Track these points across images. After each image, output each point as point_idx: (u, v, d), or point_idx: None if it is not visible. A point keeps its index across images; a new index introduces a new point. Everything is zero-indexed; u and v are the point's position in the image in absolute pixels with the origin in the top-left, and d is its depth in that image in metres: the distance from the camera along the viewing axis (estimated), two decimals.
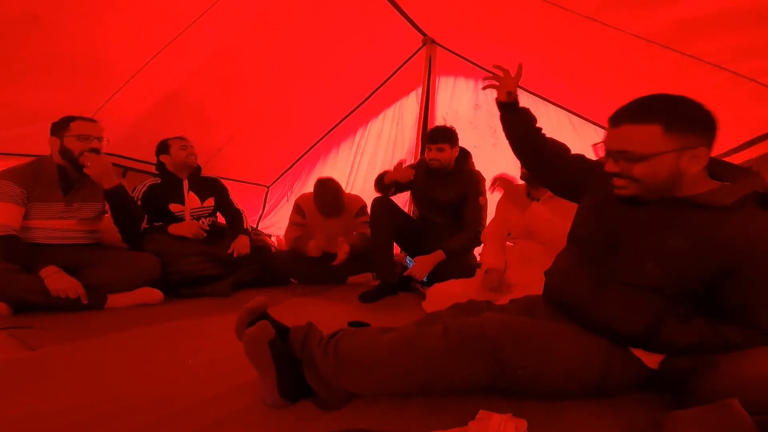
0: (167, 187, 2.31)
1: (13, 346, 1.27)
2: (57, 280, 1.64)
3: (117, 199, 1.88)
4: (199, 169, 2.42)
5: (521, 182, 1.94)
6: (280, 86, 2.98)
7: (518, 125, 1.41)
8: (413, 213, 2.69)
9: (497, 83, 1.43)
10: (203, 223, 2.35)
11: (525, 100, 3.15)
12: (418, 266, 2.12)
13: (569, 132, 2.93)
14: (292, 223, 2.65)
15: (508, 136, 1.45)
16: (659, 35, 1.81)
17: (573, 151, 1.86)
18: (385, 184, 2.38)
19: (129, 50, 2.14)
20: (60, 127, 1.80)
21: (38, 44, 1.81)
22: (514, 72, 1.42)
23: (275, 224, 3.95)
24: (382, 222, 2.25)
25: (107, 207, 1.93)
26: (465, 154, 2.43)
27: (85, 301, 1.68)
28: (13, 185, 1.71)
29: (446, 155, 2.30)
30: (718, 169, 0.98)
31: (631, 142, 0.92)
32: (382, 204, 2.29)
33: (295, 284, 2.59)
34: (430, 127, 3.21)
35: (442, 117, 3.44)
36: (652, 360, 0.97)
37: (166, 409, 0.90)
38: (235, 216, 2.45)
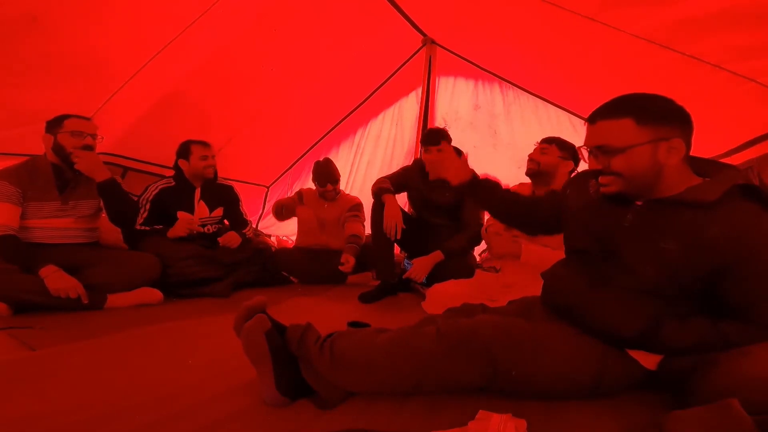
0: (179, 193, 2.28)
1: (13, 346, 1.26)
2: (57, 280, 1.64)
3: (110, 192, 1.88)
4: (215, 176, 2.36)
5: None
6: (280, 86, 2.98)
7: (485, 201, 1.38)
8: (411, 213, 2.70)
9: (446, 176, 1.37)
10: (208, 229, 2.33)
11: (525, 100, 3.16)
12: (416, 268, 2.12)
13: (569, 132, 2.93)
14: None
15: (488, 211, 1.47)
16: (659, 35, 1.81)
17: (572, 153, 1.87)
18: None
19: (129, 50, 2.14)
20: (54, 125, 1.81)
21: (38, 44, 1.82)
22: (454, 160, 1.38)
23: (275, 224, 3.94)
24: (382, 222, 2.25)
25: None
26: (460, 154, 2.43)
27: (85, 301, 1.68)
28: (9, 185, 1.71)
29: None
30: (698, 167, 0.99)
31: (606, 137, 0.96)
32: (382, 205, 2.29)
33: (295, 284, 2.59)
34: (429, 127, 3.21)
35: (442, 117, 3.44)
36: (649, 361, 0.96)
37: (166, 409, 0.90)
38: (240, 225, 2.45)
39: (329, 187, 2.71)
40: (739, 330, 0.89)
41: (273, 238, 3.71)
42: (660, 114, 0.93)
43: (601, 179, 1.00)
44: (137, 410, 0.89)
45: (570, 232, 1.16)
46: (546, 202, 1.33)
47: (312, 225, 2.72)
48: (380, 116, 3.72)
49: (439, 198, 2.35)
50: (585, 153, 1.04)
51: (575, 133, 2.93)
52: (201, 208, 2.32)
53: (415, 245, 2.43)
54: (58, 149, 1.80)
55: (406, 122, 3.64)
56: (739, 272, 0.87)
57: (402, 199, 2.84)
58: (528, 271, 1.78)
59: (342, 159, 3.76)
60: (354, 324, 1.14)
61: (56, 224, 1.84)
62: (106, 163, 1.94)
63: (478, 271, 2.02)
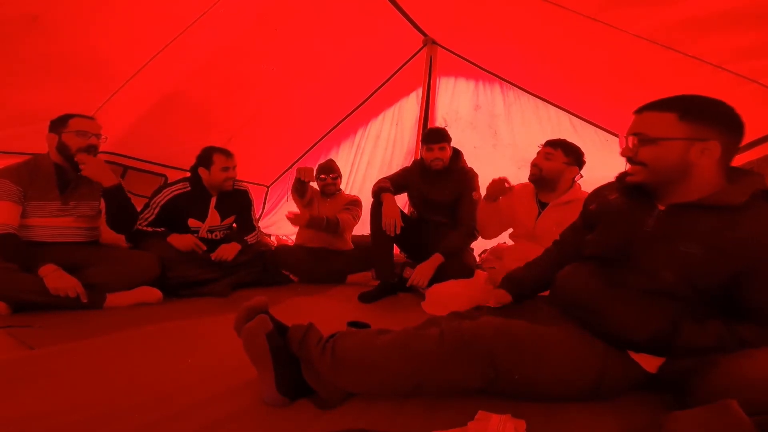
0: (194, 202, 2.22)
1: (12, 345, 1.26)
2: (56, 279, 1.63)
3: (114, 198, 1.88)
4: (233, 184, 2.29)
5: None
6: (280, 86, 2.98)
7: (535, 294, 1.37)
8: (411, 214, 2.71)
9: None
10: (216, 235, 2.31)
11: (526, 100, 3.16)
12: (418, 274, 2.10)
13: (569, 133, 2.93)
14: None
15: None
16: (661, 35, 1.81)
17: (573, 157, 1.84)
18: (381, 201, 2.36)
19: (129, 50, 2.14)
20: (58, 124, 1.81)
21: (38, 44, 1.82)
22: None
23: (275, 223, 3.95)
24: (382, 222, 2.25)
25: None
26: (457, 153, 2.45)
27: (84, 300, 1.68)
28: (10, 183, 1.71)
29: (447, 154, 2.34)
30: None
31: (647, 125, 0.98)
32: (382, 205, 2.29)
33: (295, 283, 2.59)
34: (430, 127, 3.21)
35: (442, 117, 3.44)
36: (651, 364, 0.96)
37: (165, 409, 0.90)
38: (246, 231, 2.41)
39: (329, 180, 2.77)
40: (755, 333, 0.88)
41: (273, 238, 3.72)
42: (705, 114, 0.93)
43: (628, 170, 1.02)
44: (137, 410, 0.89)
45: (589, 241, 1.15)
46: (568, 242, 1.32)
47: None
48: (380, 116, 3.72)
49: (439, 196, 2.36)
50: (623, 141, 1.04)
51: (575, 133, 2.93)
52: (213, 215, 2.28)
53: (413, 246, 2.43)
54: (62, 148, 1.80)
55: (406, 122, 3.64)
56: (762, 275, 0.87)
57: (402, 200, 2.85)
58: None
59: (342, 159, 3.76)
60: (354, 324, 1.14)
61: (56, 223, 1.83)
62: (106, 162, 1.94)
63: (477, 271, 2.02)
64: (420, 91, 3.43)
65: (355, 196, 2.92)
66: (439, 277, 2.07)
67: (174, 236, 2.14)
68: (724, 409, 0.72)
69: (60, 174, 1.83)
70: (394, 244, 2.35)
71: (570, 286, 1.11)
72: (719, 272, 0.89)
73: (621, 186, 1.10)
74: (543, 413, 0.91)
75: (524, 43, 2.58)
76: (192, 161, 2.25)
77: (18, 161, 1.82)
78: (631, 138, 1.00)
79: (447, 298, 1.83)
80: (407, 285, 2.17)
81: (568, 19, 1.99)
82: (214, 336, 1.41)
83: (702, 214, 0.92)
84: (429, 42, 3.24)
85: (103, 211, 1.94)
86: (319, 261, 2.64)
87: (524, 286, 1.33)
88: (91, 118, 1.88)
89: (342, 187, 3.06)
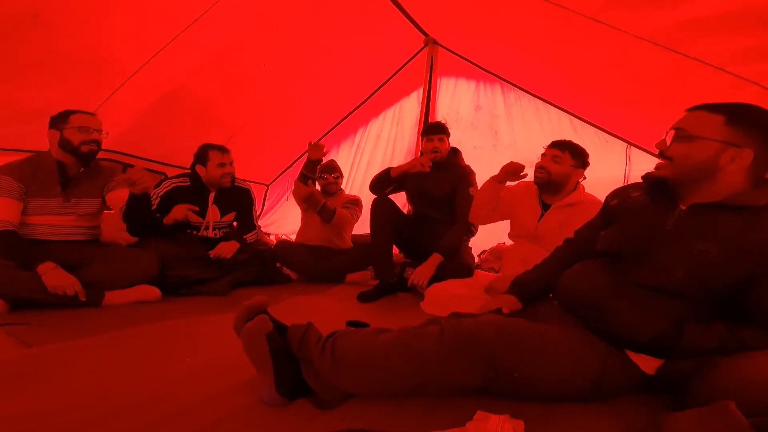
0: (192, 196, 2.21)
1: (10, 343, 1.26)
2: (55, 277, 1.63)
3: (139, 204, 1.91)
4: (233, 180, 2.31)
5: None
6: (281, 85, 2.98)
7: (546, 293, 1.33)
8: (409, 212, 2.72)
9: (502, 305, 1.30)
10: (216, 233, 2.30)
11: (527, 101, 3.15)
12: (418, 274, 2.10)
13: (570, 134, 2.93)
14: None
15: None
16: (662, 37, 1.81)
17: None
18: (393, 177, 2.39)
19: (130, 48, 2.14)
20: (59, 120, 1.80)
21: (39, 42, 1.82)
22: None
23: (275, 222, 3.95)
24: (381, 222, 2.25)
25: (109, 202, 1.95)
26: (455, 151, 2.49)
27: (83, 298, 1.67)
28: (11, 180, 1.71)
29: (446, 146, 2.38)
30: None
31: (691, 123, 0.98)
32: (382, 204, 2.29)
33: (294, 282, 2.60)
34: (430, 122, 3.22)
35: (442, 117, 3.44)
36: (649, 366, 0.96)
37: (164, 409, 0.89)
38: (246, 230, 2.40)
39: (330, 179, 2.80)
40: (758, 337, 0.88)
41: (272, 237, 3.72)
42: (750, 122, 0.93)
43: (658, 163, 1.03)
44: (136, 409, 0.88)
45: (604, 236, 1.14)
46: (583, 241, 1.28)
47: (314, 221, 2.74)
48: (381, 116, 3.72)
49: (436, 190, 2.37)
50: (664, 134, 1.04)
51: (576, 134, 2.93)
52: (213, 211, 2.28)
53: (412, 245, 2.43)
54: (65, 144, 1.80)
55: (406, 122, 3.65)
56: None
57: (401, 200, 2.85)
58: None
59: (342, 158, 3.76)
60: (353, 324, 1.14)
61: (57, 221, 1.83)
62: (107, 160, 1.94)
63: (477, 271, 2.01)
64: (421, 91, 3.44)
65: (355, 195, 2.93)
66: (438, 276, 2.07)
67: (167, 216, 2.11)
68: (722, 410, 0.72)
69: (62, 171, 1.82)
70: (393, 245, 2.35)
71: (577, 283, 1.10)
72: (732, 273, 0.89)
73: (646, 183, 1.10)
74: (542, 414, 0.91)
75: (525, 44, 2.58)
76: (192, 160, 2.25)
77: (19, 158, 1.82)
78: (671, 132, 1.01)
79: (446, 298, 1.83)
80: (408, 285, 2.16)
81: (569, 19, 1.99)
82: (212, 335, 1.40)
83: (722, 214, 0.92)
84: (430, 42, 3.24)
85: (123, 212, 1.95)
86: (319, 259, 2.64)
87: (535, 289, 1.30)
88: (92, 113, 1.88)
89: (342, 186, 3.07)
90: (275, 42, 2.61)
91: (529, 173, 1.87)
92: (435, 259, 2.13)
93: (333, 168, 2.84)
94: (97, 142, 1.85)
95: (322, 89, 3.26)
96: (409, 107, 3.62)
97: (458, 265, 2.16)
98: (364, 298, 2.12)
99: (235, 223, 2.44)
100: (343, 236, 2.83)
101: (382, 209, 2.28)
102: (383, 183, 2.43)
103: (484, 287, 1.85)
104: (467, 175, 2.36)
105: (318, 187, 2.85)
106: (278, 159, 3.85)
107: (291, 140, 3.70)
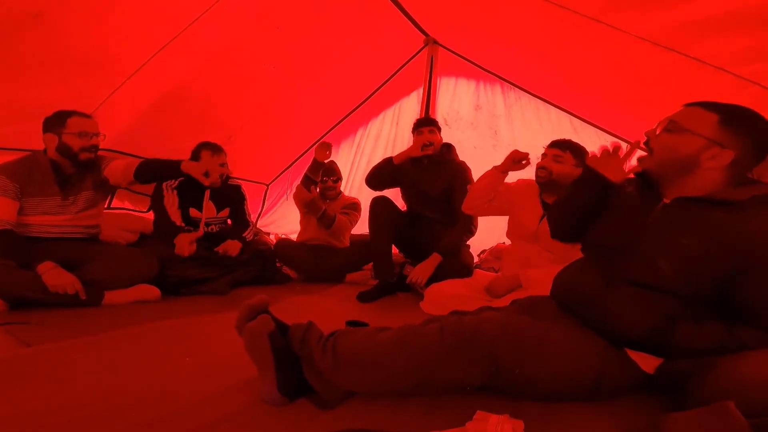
0: (191, 191, 2.32)
1: (9, 342, 1.26)
2: (54, 276, 1.63)
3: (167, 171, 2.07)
4: (226, 179, 2.41)
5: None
6: (281, 85, 2.98)
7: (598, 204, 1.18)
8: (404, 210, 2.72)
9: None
10: (212, 228, 2.39)
11: (527, 101, 3.15)
12: (417, 273, 2.10)
13: (570, 134, 2.92)
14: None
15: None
16: (663, 37, 1.80)
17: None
18: (396, 164, 2.38)
19: (130, 48, 2.13)
20: (56, 123, 1.79)
21: (39, 41, 1.81)
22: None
23: (274, 222, 3.94)
24: (381, 221, 2.25)
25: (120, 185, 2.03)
26: (449, 147, 2.47)
27: (83, 297, 1.67)
28: (6, 180, 1.71)
29: (437, 138, 2.36)
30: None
31: (685, 117, 0.99)
32: (381, 204, 2.29)
33: (294, 281, 2.60)
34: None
35: (442, 117, 3.44)
36: (648, 365, 0.96)
37: (164, 408, 0.89)
38: (242, 227, 2.47)
39: (330, 183, 2.80)
40: (753, 335, 0.88)
41: (272, 236, 3.71)
42: (742, 126, 0.94)
43: (639, 155, 1.04)
44: (135, 409, 0.88)
45: (593, 229, 1.15)
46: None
47: (313, 223, 2.76)
48: (381, 116, 3.71)
49: (431, 188, 2.36)
50: (657, 125, 1.04)
51: (576, 134, 2.93)
52: (209, 207, 2.38)
53: (410, 244, 2.43)
54: (64, 150, 1.80)
55: (406, 122, 3.64)
56: (758, 275, 0.87)
57: (399, 201, 2.85)
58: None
59: (342, 158, 3.76)
60: (353, 323, 1.14)
61: (55, 221, 1.83)
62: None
63: (477, 271, 2.01)
64: (420, 90, 3.43)
65: (354, 198, 2.94)
66: (437, 276, 2.07)
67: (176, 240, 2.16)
68: (721, 410, 0.72)
69: (57, 170, 1.82)
70: (392, 245, 2.35)
71: (567, 280, 1.11)
72: (716, 267, 0.89)
73: (635, 177, 1.11)
74: (541, 414, 0.91)
75: (525, 44, 2.58)
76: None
77: (16, 157, 1.81)
78: (662, 123, 1.01)
79: (446, 297, 1.83)
80: (407, 282, 2.17)
81: (570, 19, 1.99)
82: (212, 334, 1.40)
83: (704, 209, 0.93)
84: (430, 42, 3.23)
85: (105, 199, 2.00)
86: (319, 259, 2.65)
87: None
88: (88, 116, 1.88)
89: (342, 186, 3.07)
90: (275, 42, 2.60)
91: (529, 173, 1.86)
92: (434, 259, 2.13)
93: (333, 171, 2.84)
94: (96, 147, 1.85)
95: (322, 89, 3.26)
96: (409, 107, 3.62)
97: (458, 264, 2.16)
98: (364, 297, 2.12)
99: (229, 221, 2.48)
100: (342, 239, 2.85)
101: (382, 209, 2.27)
102: (383, 174, 2.42)
103: (483, 287, 1.85)
104: (463, 171, 2.35)
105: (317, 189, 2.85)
106: (278, 159, 3.84)
107: (291, 140, 3.70)
